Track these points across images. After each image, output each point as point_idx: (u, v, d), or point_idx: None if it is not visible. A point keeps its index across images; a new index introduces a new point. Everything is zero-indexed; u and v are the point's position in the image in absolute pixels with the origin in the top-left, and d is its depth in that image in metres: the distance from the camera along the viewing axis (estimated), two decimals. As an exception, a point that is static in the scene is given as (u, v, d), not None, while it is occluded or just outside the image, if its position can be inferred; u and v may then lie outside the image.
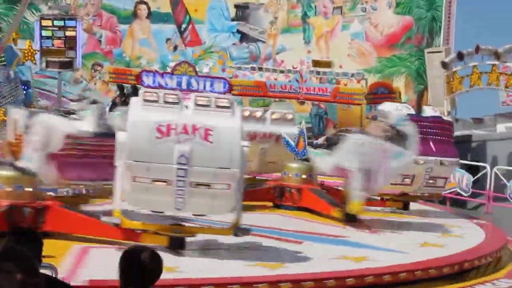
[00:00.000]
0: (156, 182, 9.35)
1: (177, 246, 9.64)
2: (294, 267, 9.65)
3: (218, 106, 9.78)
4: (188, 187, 9.33)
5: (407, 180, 14.36)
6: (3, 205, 10.74)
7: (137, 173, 9.31)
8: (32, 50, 26.44)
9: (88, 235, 10.57)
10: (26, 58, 26.10)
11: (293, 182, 15.28)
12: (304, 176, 15.24)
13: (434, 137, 14.99)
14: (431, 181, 14.79)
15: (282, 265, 9.62)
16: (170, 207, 9.63)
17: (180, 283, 8.18)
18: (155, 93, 10.00)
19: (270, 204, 15.36)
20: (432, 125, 15.09)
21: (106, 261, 8.56)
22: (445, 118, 16.19)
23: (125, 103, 18.63)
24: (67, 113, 13.04)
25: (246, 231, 10.10)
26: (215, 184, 9.38)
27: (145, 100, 9.64)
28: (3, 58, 24.42)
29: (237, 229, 9.92)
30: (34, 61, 26.70)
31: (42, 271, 4.23)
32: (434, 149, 14.65)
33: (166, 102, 9.65)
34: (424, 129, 14.68)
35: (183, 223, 10.24)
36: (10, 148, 11.74)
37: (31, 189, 11.09)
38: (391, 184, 13.85)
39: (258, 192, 15.24)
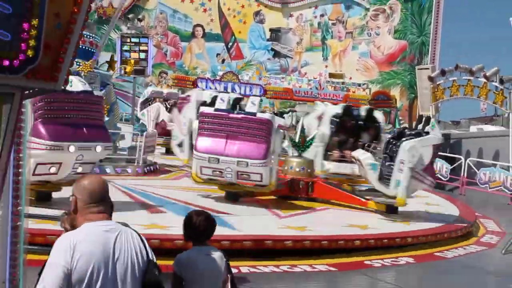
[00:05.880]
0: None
1: None
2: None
3: None
4: None
5: (53, 169, 9.42)
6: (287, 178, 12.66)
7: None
8: (114, 61, 26.41)
9: (340, 201, 12.38)
10: (113, 68, 26.02)
11: (299, 176, 12.74)
12: (309, 170, 12.89)
13: (80, 116, 9.70)
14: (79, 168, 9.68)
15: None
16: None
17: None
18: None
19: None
20: (76, 102, 9.68)
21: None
22: (95, 93, 10.48)
23: None
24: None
25: None
26: None
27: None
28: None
29: None
30: (114, 70, 26.52)
31: None
32: (87, 134, 9.58)
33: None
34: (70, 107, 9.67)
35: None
36: None
37: (309, 170, 12.93)
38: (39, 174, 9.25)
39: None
